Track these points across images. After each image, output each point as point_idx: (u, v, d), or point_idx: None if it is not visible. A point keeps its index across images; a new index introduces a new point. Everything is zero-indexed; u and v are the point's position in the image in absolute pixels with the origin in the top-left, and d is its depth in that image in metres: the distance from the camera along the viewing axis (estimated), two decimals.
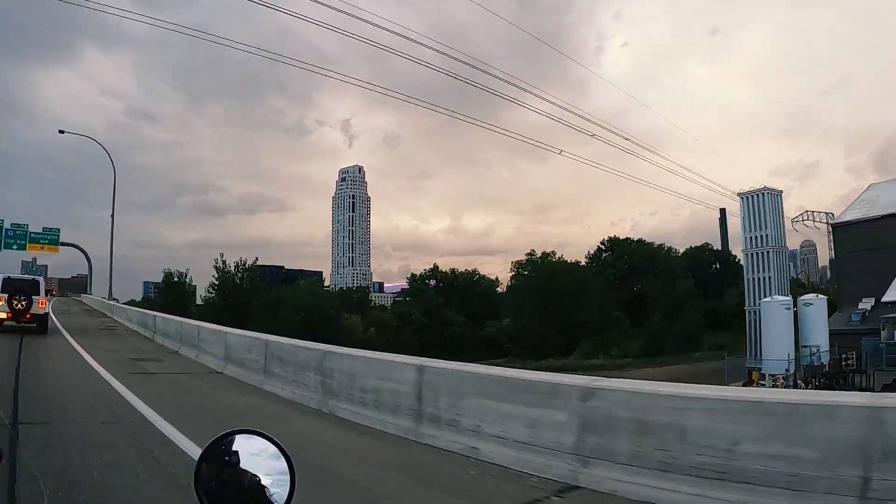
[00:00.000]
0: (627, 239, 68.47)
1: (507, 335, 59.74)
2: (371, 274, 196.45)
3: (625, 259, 64.21)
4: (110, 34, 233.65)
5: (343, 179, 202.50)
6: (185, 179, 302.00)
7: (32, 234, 43.76)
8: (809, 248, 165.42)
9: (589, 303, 55.07)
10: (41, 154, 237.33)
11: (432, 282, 68.92)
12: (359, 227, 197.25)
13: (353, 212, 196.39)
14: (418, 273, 75.31)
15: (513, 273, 66.81)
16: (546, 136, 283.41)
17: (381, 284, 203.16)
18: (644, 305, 57.96)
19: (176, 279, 64.20)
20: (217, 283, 60.48)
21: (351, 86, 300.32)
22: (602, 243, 67.81)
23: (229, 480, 1.36)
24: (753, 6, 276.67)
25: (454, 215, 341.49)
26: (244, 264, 61.77)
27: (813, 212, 44.94)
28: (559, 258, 65.14)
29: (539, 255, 64.48)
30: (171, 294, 60.73)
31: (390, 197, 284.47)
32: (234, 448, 1.37)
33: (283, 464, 1.35)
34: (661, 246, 69.39)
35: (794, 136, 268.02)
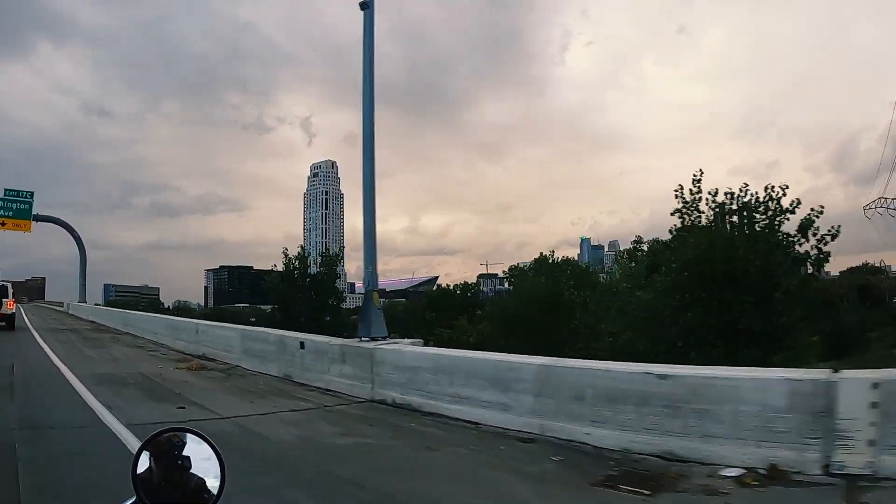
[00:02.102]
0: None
1: None
2: (345, 274, 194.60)
3: None
4: (63, 28, 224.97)
5: (315, 175, 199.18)
6: (140, 179, 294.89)
7: None
8: None
9: None
10: None
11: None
12: (332, 224, 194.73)
13: (326, 209, 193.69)
14: None
15: None
16: (505, 135, 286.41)
17: (353, 285, 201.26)
18: None
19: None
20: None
21: (311, 83, 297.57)
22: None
23: (177, 482, 1.38)
24: (714, 8, 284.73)
25: (413, 215, 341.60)
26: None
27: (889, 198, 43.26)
28: None
29: None
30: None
31: (349, 197, 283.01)
32: (184, 452, 1.39)
33: (215, 464, 1.38)
34: None
35: (754, 137, 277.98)
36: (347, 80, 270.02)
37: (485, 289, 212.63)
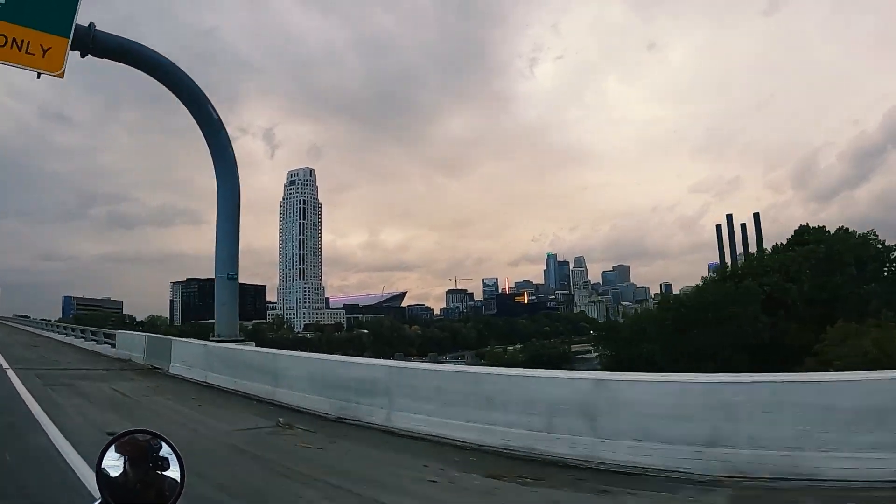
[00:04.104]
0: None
1: None
2: (324, 288, 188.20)
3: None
4: None
5: (292, 183, 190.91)
6: (97, 189, 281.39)
7: None
8: None
9: None
10: None
11: None
12: (310, 235, 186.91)
13: (303, 219, 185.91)
14: None
15: None
16: (467, 150, 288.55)
17: (328, 300, 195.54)
18: None
19: None
20: None
21: (273, 94, 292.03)
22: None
23: (152, 483, 1.51)
24: (676, 26, 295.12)
25: (372, 230, 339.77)
26: None
27: None
28: None
29: None
30: None
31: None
32: (161, 454, 1.55)
33: (176, 465, 1.54)
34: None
35: (715, 153, 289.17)
36: (310, 92, 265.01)
37: (455, 304, 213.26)
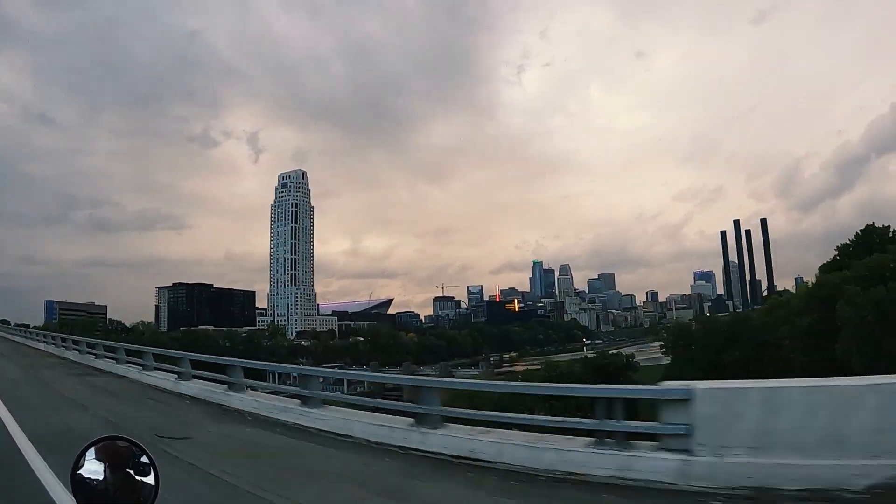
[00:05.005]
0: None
1: None
2: (316, 295, 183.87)
3: None
4: (4, 31, 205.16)
5: (284, 185, 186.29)
6: (79, 192, 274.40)
7: None
8: None
9: None
10: None
11: None
12: (302, 239, 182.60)
13: (295, 222, 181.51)
14: None
15: None
16: (451, 157, 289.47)
17: (318, 307, 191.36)
18: None
19: None
20: None
21: (257, 98, 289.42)
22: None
23: (132, 489, 1.55)
24: (662, 35, 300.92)
25: (355, 237, 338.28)
26: None
27: None
28: None
29: None
30: None
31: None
32: (142, 459, 1.61)
33: (152, 473, 1.60)
34: None
35: (699, 162, 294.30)
36: (295, 97, 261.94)
37: (443, 311, 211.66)
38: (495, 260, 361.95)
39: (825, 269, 47.88)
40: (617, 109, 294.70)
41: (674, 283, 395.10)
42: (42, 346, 28.00)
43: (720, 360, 44.00)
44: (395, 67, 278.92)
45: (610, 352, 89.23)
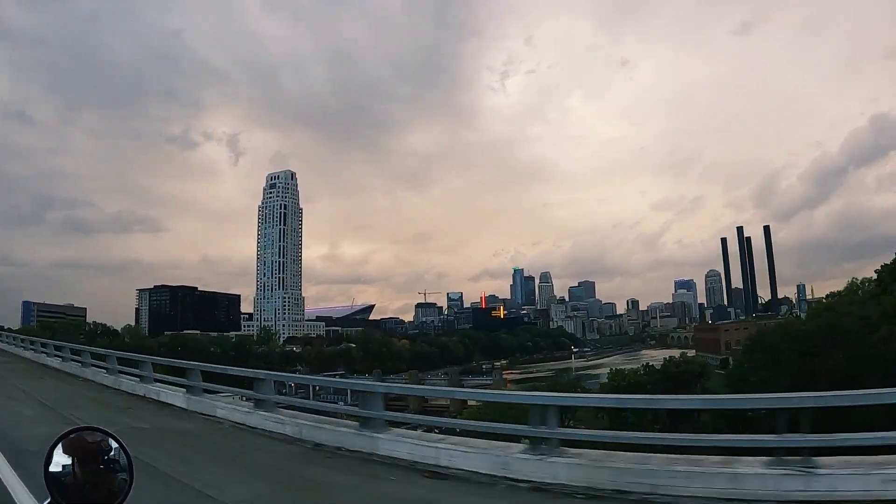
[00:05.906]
0: None
1: None
2: (304, 299, 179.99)
3: None
4: None
5: (272, 186, 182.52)
6: (54, 192, 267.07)
7: None
8: None
9: None
10: None
11: None
12: (291, 242, 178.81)
13: (284, 224, 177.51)
14: None
15: None
16: (430, 163, 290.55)
17: (304, 312, 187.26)
18: None
19: None
20: None
21: (237, 100, 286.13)
22: None
23: (102, 483, 1.50)
24: (641, 45, 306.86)
25: (333, 242, 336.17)
26: None
27: None
28: None
29: None
30: None
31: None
32: (112, 453, 1.54)
33: (125, 464, 1.54)
34: None
35: (677, 172, 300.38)
36: (275, 100, 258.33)
37: (426, 318, 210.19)
38: (474, 267, 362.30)
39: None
40: (597, 118, 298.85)
41: (652, 291, 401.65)
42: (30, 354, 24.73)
43: (812, 365, 41.37)
44: (377, 72, 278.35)
45: (646, 360, 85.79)
